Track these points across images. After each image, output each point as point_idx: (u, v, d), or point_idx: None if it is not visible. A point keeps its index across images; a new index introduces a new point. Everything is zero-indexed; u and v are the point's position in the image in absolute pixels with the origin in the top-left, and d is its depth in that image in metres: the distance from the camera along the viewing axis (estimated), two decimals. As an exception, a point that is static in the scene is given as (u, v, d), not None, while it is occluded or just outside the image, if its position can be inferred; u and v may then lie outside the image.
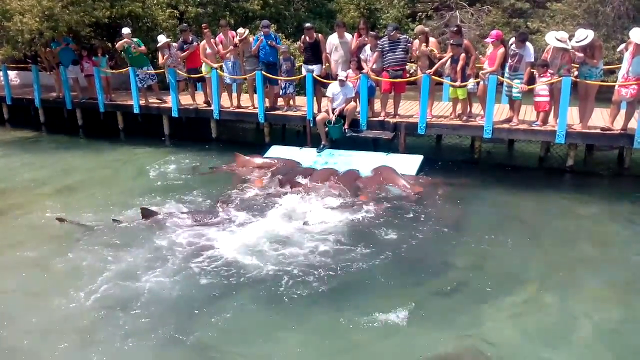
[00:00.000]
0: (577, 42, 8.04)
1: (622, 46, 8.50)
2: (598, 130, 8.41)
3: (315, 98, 10.24)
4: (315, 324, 4.77)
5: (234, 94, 11.41)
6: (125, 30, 11.55)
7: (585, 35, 7.97)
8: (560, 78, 8.18)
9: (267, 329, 4.70)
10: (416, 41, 9.53)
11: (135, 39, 11.71)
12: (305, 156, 9.64)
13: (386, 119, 9.74)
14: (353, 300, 5.08)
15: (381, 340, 4.51)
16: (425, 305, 5.01)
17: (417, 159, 9.13)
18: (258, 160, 9.49)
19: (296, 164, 9.33)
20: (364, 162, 9.08)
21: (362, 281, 5.44)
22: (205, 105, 11.57)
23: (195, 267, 5.69)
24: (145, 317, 4.87)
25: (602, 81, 8.50)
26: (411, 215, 7.11)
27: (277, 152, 10.01)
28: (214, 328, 4.71)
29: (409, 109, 10.61)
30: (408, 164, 8.96)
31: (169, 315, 4.89)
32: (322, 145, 9.85)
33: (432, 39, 9.71)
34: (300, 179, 8.35)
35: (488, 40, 9.04)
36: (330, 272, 5.54)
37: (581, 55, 8.09)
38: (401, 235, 6.44)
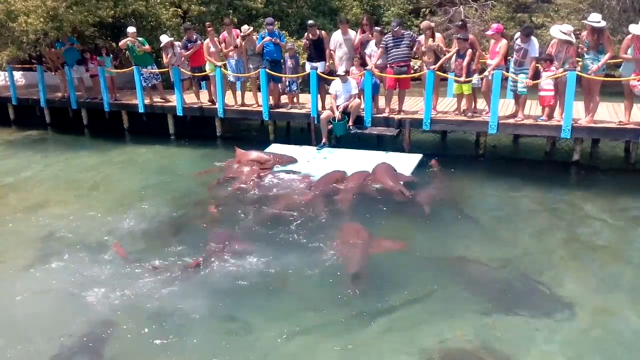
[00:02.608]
0: (589, 21, 7.93)
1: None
2: (604, 125, 8.37)
3: (319, 95, 10.23)
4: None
5: (238, 92, 11.42)
6: (131, 29, 11.57)
7: (599, 19, 7.90)
8: (565, 72, 8.14)
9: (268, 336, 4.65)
10: (422, 37, 9.51)
11: (140, 38, 11.74)
12: (305, 154, 9.62)
13: (391, 116, 9.73)
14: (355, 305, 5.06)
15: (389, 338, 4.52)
16: (425, 304, 4.99)
17: (415, 158, 9.03)
18: (253, 154, 9.42)
19: (293, 160, 9.31)
20: (363, 160, 8.96)
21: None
22: (210, 103, 11.59)
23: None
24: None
25: (605, 75, 8.45)
26: (399, 215, 7.06)
27: (277, 150, 9.97)
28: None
29: (414, 105, 10.58)
30: (405, 163, 8.82)
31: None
32: (322, 143, 9.84)
33: (438, 34, 9.69)
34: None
35: (488, 33, 9.01)
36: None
37: (595, 68, 7.99)
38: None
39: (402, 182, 7.90)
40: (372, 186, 7.93)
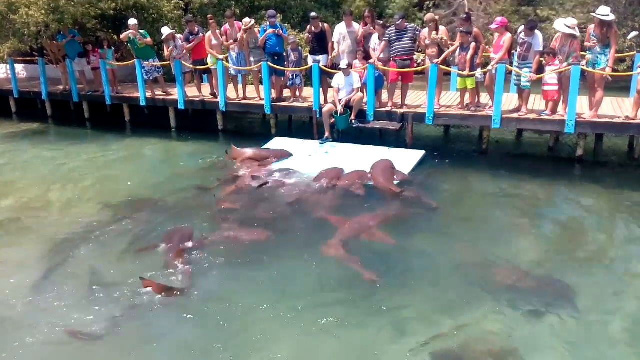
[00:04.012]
0: (598, 14, 7.82)
1: (633, 34, 8.37)
2: (608, 120, 8.31)
3: (321, 89, 10.17)
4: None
5: (240, 86, 11.37)
6: (132, 22, 11.51)
7: (608, 12, 7.80)
8: (570, 67, 8.07)
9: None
10: (425, 30, 9.43)
11: (141, 31, 11.68)
12: (307, 148, 9.57)
13: (393, 110, 9.67)
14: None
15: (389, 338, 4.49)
16: (424, 301, 4.93)
17: (416, 155, 8.88)
18: (248, 151, 9.27)
19: (288, 154, 9.24)
20: (365, 155, 8.84)
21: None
22: (212, 97, 11.54)
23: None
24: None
25: (612, 69, 8.34)
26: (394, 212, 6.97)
27: (280, 143, 9.95)
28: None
29: (417, 99, 10.51)
30: (406, 159, 8.66)
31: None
32: (325, 137, 9.79)
33: (442, 27, 9.61)
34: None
35: (493, 27, 8.93)
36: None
37: (609, 70, 7.86)
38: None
39: (399, 180, 7.81)
40: (363, 185, 7.74)
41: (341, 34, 9.87)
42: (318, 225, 6.51)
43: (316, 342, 4.40)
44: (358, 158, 8.77)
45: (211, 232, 6.39)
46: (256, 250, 5.92)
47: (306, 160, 9.02)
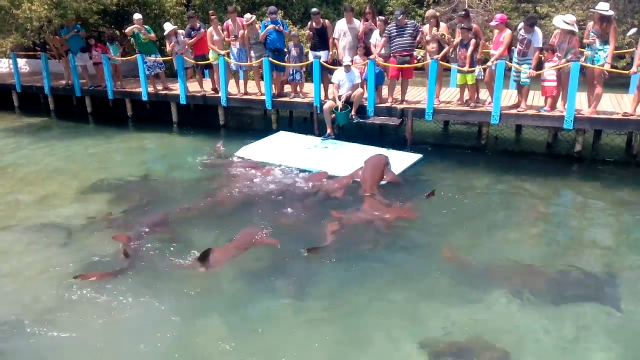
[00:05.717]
0: (598, 9, 7.87)
1: (632, 31, 8.43)
2: (606, 116, 8.37)
3: (322, 84, 10.24)
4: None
5: (241, 81, 11.44)
6: (137, 16, 11.56)
7: (607, 7, 7.86)
8: (569, 63, 8.13)
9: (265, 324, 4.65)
10: (426, 26, 9.48)
11: (146, 26, 11.74)
12: (309, 143, 9.65)
13: (393, 105, 9.74)
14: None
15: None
16: (421, 298, 4.97)
17: (411, 157, 8.77)
18: None
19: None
20: (363, 155, 8.68)
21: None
22: (213, 92, 11.61)
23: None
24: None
25: (610, 66, 8.40)
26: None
27: (283, 138, 10.07)
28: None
29: (417, 94, 10.58)
30: (400, 161, 8.59)
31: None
32: (327, 134, 9.86)
33: (442, 24, 9.67)
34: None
35: (492, 23, 8.99)
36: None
37: (607, 66, 7.91)
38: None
39: (387, 180, 7.77)
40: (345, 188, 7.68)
41: (342, 30, 9.92)
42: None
43: (305, 339, 4.42)
44: (356, 157, 8.71)
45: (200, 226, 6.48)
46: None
47: (304, 155, 9.09)
